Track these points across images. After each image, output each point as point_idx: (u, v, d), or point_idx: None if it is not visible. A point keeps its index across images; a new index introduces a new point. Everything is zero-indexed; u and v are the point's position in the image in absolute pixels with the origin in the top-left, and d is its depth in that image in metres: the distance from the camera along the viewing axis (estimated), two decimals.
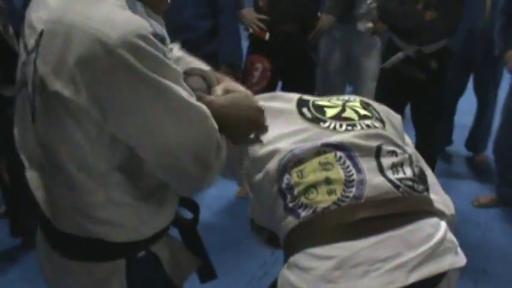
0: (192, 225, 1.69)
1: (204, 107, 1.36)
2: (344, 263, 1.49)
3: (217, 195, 4.03)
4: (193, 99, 1.34)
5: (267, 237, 1.88)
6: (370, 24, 4.15)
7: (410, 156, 1.74)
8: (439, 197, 1.77)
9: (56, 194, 1.43)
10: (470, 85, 4.64)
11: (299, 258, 1.55)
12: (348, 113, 1.77)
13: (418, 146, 3.99)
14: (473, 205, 4.12)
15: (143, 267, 1.50)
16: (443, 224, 1.62)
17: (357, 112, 1.78)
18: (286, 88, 4.11)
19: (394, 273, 1.47)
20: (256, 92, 3.72)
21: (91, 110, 1.26)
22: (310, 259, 1.53)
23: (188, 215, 1.66)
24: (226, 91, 1.50)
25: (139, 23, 1.27)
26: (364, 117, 1.76)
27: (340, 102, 1.83)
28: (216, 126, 1.38)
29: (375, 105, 1.86)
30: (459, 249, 1.62)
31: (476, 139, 4.76)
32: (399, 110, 3.99)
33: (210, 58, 4.16)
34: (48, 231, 1.53)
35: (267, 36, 3.89)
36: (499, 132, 4.06)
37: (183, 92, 1.31)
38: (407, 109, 4.13)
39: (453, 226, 1.69)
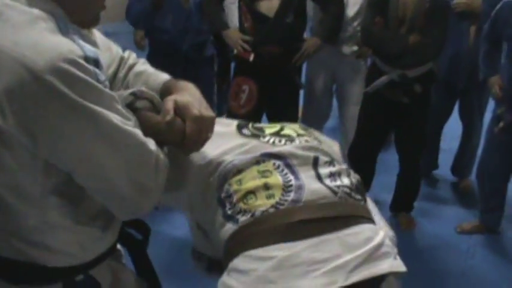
0: (141, 246, 1.68)
1: (137, 132, 1.34)
2: (283, 263, 1.48)
3: None
4: (126, 124, 1.32)
5: (207, 265, 1.88)
6: (355, 48, 4.16)
7: (347, 169, 1.76)
8: (378, 219, 1.77)
9: None
10: (456, 109, 4.63)
11: (238, 262, 1.54)
12: (287, 131, 1.80)
13: (402, 171, 4.03)
14: (456, 231, 4.09)
15: None
16: (381, 231, 1.62)
17: (295, 131, 1.81)
18: (270, 110, 4.11)
19: (334, 274, 1.47)
20: (245, 114, 3.81)
21: (21, 138, 1.24)
22: (250, 261, 1.52)
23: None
24: (176, 104, 1.50)
25: (68, 47, 1.24)
26: (303, 135, 1.79)
27: (278, 124, 1.87)
28: (153, 148, 1.37)
29: (314, 131, 1.90)
30: (398, 257, 1.61)
31: (461, 164, 4.74)
32: (382, 134, 4.02)
33: (216, 59, 4.26)
34: None
35: (252, 57, 3.90)
36: (482, 157, 4.04)
37: (115, 117, 1.29)
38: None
39: (395, 245, 1.69)
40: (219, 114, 4.92)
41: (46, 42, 1.23)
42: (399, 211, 4.17)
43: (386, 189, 4.21)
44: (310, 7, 4.13)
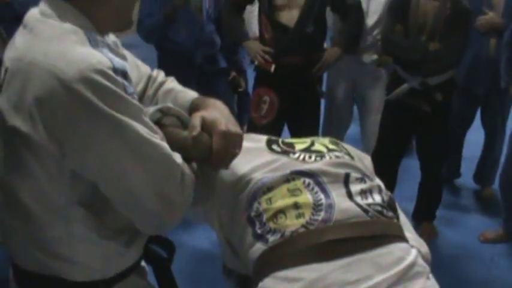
0: (166, 264, 1.69)
1: (164, 145, 1.36)
2: (313, 285, 1.47)
3: None
4: (153, 137, 1.34)
5: (236, 281, 1.87)
6: (375, 56, 4.15)
7: (379, 185, 1.75)
8: (412, 235, 1.76)
9: (14, 230, 1.43)
10: (479, 116, 4.60)
11: (267, 282, 1.53)
12: (317, 146, 1.79)
13: (423, 179, 4.02)
14: (479, 240, 4.06)
15: None
16: (414, 250, 1.60)
17: (326, 146, 1.79)
18: (291, 120, 4.12)
19: None
20: (266, 124, 3.81)
21: (49, 146, 1.27)
22: (279, 282, 1.51)
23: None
24: (203, 120, 1.51)
25: (97, 58, 1.27)
26: (333, 150, 1.77)
27: (309, 139, 1.85)
28: (179, 161, 1.38)
29: (345, 144, 1.88)
30: (431, 276, 1.59)
31: (484, 172, 4.71)
32: (404, 142, 4.01)
33: (229, 71, 4.27)
34: (14, 269, 1.53)
35: (273, 68, 3.90)
36: (504, 165, 4.01)
37: (142, 129, 1.31)
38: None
39: (428, 264, 1.67)
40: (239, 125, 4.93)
41: (76, 53, 1.27)
42: (422, 220, 4.15)
43: (409, 197, 4.19)
44: (330, 17, 4.13)
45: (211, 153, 1.49)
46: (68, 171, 1.31)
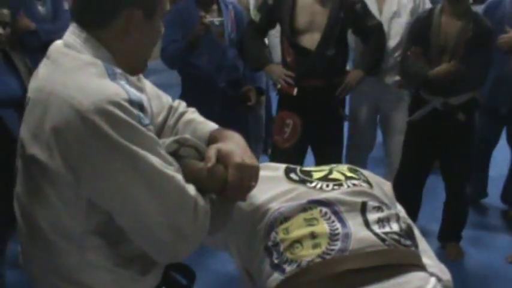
0: None
1: (178, 177, 1.38)
2: None
3: None
4: (167, 168, 1.36)
5: None
6: (397, 78, 4.15)
7: (397, 214, 1.74)
8: (433, 262, 1.75)
9: (33, 256, 1.48)
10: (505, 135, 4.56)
11: None
12: (335, 175, 1.80)
13: (448, 200, 3.99)
14: (507, 261, 3.99)
15: None
16: (432, 279, 1.60)
17: (343, 174, 1.80)
18: (315, 143, 4.12)
19: None
20: (289, 147, 3.81)
21: (65, 175, 1.32)
22: None
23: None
24: (219, 152, 1.53)
25: (114, 90, 1.32)
26: (351, 178, 1.78)
27: (327, 167, 1.86)
28: (193, 194, 1.40)
29: (364, 171, 1.89)
30: None
31: (511, 192, 4.65)
32: (427, 163, 3.99)
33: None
34: None
35: (295, 91, 3.91)
36: None
37: (156, 161, 1.34)
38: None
39: None
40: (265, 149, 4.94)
41: (93, 85, 1.32)
42: (447, 241, 4.11)
43: (434, 218, 4.16)
44: (351, 39, 4.15)
45: (226, 185, 1.51)
46: (83, 200, 1.36)
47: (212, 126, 1.71)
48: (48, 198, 1.37)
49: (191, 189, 1.42)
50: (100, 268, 1.43)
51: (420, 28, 3.75)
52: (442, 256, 3.88)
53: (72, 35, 1.46)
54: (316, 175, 1.79)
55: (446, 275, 1.75)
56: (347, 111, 4.29)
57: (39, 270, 1.49)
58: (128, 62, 1.48)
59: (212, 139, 1.64)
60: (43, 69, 1.46)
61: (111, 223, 1.39)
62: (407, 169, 3.98)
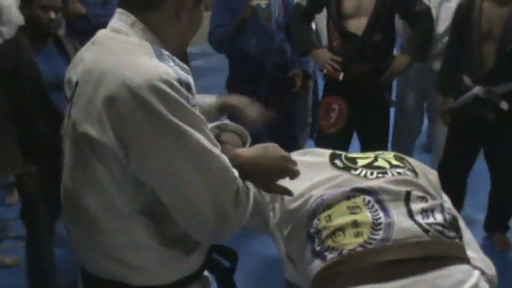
0: (228, 273, 1.72)
1: (223, 157, 1.40)
2: None
3: None
4: (214, 148, 1.38)
5: None
6: None
7: (441, 204, 1.72)
8: (477, 255, 1.73)
9: (80, 238, 1.51)
10: None
11: None
12: (380, 162, 1.79)
13: (494, 189, 3.92)
14: None
15: None
16: (476, 273, 1.58)
17: (389, 162, 1.79)
18: (361, 128, 4.10)
19: None
20: (335, 132, 3.80)
21: (115, 149, 1.34)
22: None
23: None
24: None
25: (164, 70, 1.35)
26: (396, 166, 1.77)
27: (372, 155, 1.86)
28: (236, 175, 1.42)
29: (410, 159, 1.87)
30: None
31: None
32: (472, 152, 3.91)
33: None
34: (81, 271, 1.61)
35: (341, 76, 3.89)
36: None
37: (204, 139, 1.36)
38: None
39: (494, 287, 1.64)
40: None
41: (144, 63, 1.35)
42: (493, 230, 4.05)
43: (480, 207, 4.10)
44: (399, 24, 4.09)
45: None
46: (130, 177, 1.38)
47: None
48: (98, 177, 1.39)
49: (235, 171, 1.43)
50: (146, 248, 1.46)
51: (462, 14, 3.67)
52: (488, 246, 3.84)
53: (118, 20, 1.49)
54: (361, 162, 1.79)
55: (491, 269, 1.73)
56: (394, 97, 4.24)
57: (86, 251, 1.52)
58: (172, 46, 1.51)
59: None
60: (89, 53, 1.48)
61: (156, 202, 1.41)
62: (451, 157, 3.91)
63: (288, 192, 1.57)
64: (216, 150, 1.39)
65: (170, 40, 1.50)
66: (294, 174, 1.54)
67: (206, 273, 1.69)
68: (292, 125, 4.37)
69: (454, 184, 3.70)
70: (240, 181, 1.43)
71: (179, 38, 1.54)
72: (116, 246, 1.45)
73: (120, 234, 1.44)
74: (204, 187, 1.37)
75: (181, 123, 1.32)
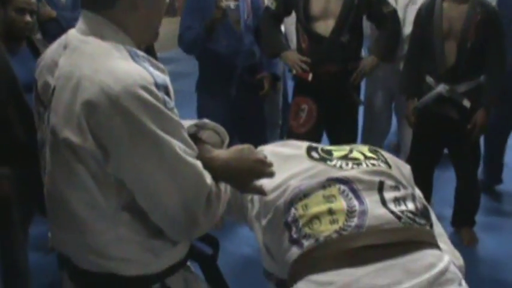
0: (211, 260, 1.77)
1: (197, 164, 1.44)
2: None
3: None
4: (189, 155, 1.42)
5: (275, 283, 1.93)
6: None
7: (413, 194, 1.78)
8: (447, 247, 1.79)
9: (68, 239, 1.54)
10: None
11: (301, 285, 1.59)
12: (355, 154, 1.84)
13: (459, 186, 3.99)
14: None
15: None
16: (446, 257, 1.63)
17: (363, 154, 1.85)
18: (330, 128, 4.17)
19: None
20: (304, 133, 3.84)
21: (95, 152, 1.37)
22: (312, 286, 1.57)
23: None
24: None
25: (141, 75, 1.37)
26: (370, 158, 1.82)
27: (348, 147, 1.91)
28: (209, 182, 1.46)
29: (384, 152, 1.93)
30: (464, 282, 1.61)
31: None
32: (436, 150, 3.99)
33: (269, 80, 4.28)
34: (69, 269, 1.63)
35: (310, 77, 3.95)
36: None
37: (179, 146, 1.40)
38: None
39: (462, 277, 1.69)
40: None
41: (121, 69, 1.37)
42: (461, 226, 4.12)
43: (447, 203, 4.18)
44: (367, 26, 4.16)
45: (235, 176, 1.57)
46: (112, 176, 1.41)
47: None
48: (81, 179, 1.42)
49: (208, 177, 1.47)
50: (133, 241, 1.49)
51: (423, 15, 3.74)
52: (457, 241, 3.91)
53: (84, 22, 1.51)
54: (337, 154, 1.84)
55: (459, 260, 1.79)
56: (362, 97, 4.31)
57: (75, 251, 1.55)
58: (140, 34, 1.54)
59: None
60: (64, 58, 1.50)
61: None
62: (417, 155, 3.97)
63: (262, 192, 1.62)
64: (190, 158, 1.43)
65: (136, 30, 1.52)
66: (268, 176, 1.59)
67: (188, 263, 1.73)
68: (261, 126, 4.41)
69: (419, 181, 3.74)
70: (212, 186, 1.48)
71: (145, 26, 1.55)
72: (104, 243, 1.48)
73: (107, 231, 1.47)
74: (177, 194, 1.42)
75: (158, 131, 1.36)
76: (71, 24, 1.62)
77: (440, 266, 1.57)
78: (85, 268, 1.55)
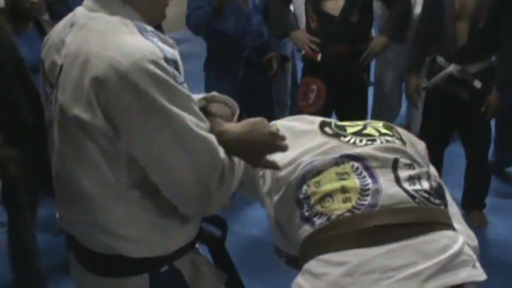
0: (220, 242, 1.76)
1: (210, 137, 1.41)
2: (356, 269, 1.49)
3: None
4: (201, 128, 1.39)
5: (286, 260, 1.91)
6: None
7: (428, 172, 1.74)
8: (462, 227, 1.76)
9: (78, 220, 1.52)
10: None
11: (312, 264, 1.57)
12: (369, 130, 1.81)
13: (469, 168, 3.96)
14: None
15: (166, 281, 1.56)
16: (461, 238, 1.60)
17: (378, 130, 1.81)
18: (339, 109, 4.14)
19: (407, 283, 1.46)
20: (313, 113, 3.82)
21: (106, 129, 1.36)
22: (323, 265, 1.54)
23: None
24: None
25: (150, 49, 1.35)
26: (385, 134, 1.78)
27: (361, 123, 1.87)
28: (222, 156, 1.43)
29: (399, 128, 1.89)
30: (478, 264, 1.58)
31: None
32: (447, 131, 3.95)
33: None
34: (77, 250, 1.61)
35: (319, 57, 3.92)
36: None
37: (191, 120, 1.37)
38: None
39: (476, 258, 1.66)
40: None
41: (129, 44, 1.35)
42: (471, 208, 4.09)
43: (457, 186, 4.13)
44: (377, 5, 4.12)
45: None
46: (123, 154, 1.39)
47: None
48: (92, 157, 1.40)
49: (221, 151, 1.45)
50: (143, 220, 1.48)
51: None
52: (467, 224, 3.88)
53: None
54: (351, 130, 1.80)
55: (473, 241, 1.76)
56: (372, 77, 4.27)
57: (85, 231, 1.53)
58: (149, 13, 1.51)
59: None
60: (71, 36, 1.47)
61: (148, 177, 1.43)
62: (426, 137, 3.91)
63: (276, 166, 1.59)
64: (203, 132, 1.40)
65: (145, 8, 1.49)
66: (282, 149, 1.56)
67: (197, 245, 1.72)
68: (269, 106, 4.38)
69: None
70: (226, 160, 1.45)
71: (151, 5, 1.52)
72: (113, 222, 1.46)
73: (117, 210, 1.45)
74: (190, 169, 1.39)
75: (169, 105, 1.33)
76: (79, 5, 1.59)
77: (455, 248, 1.54)
78: (93, 250, 1.53)
